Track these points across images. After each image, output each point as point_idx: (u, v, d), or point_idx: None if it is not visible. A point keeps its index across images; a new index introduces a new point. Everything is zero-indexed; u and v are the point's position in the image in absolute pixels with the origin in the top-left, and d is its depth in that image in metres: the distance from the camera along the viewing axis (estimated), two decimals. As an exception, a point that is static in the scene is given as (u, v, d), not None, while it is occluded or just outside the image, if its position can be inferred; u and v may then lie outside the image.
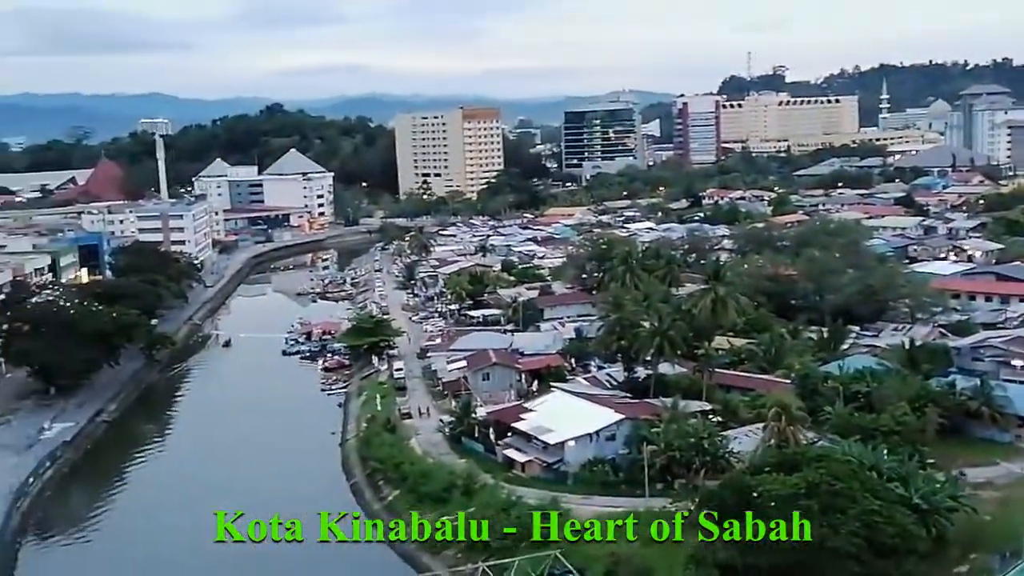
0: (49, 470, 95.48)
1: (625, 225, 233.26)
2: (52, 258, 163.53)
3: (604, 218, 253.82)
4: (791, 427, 74.91)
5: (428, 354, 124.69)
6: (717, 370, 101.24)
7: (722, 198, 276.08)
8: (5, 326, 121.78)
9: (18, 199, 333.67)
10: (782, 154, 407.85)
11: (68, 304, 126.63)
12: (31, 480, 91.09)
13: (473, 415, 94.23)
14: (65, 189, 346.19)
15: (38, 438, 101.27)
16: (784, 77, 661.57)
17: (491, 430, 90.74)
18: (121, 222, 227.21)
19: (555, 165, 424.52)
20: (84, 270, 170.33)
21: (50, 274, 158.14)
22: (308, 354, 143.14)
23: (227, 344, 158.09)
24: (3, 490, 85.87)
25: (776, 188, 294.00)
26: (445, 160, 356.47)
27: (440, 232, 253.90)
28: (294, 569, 73.51)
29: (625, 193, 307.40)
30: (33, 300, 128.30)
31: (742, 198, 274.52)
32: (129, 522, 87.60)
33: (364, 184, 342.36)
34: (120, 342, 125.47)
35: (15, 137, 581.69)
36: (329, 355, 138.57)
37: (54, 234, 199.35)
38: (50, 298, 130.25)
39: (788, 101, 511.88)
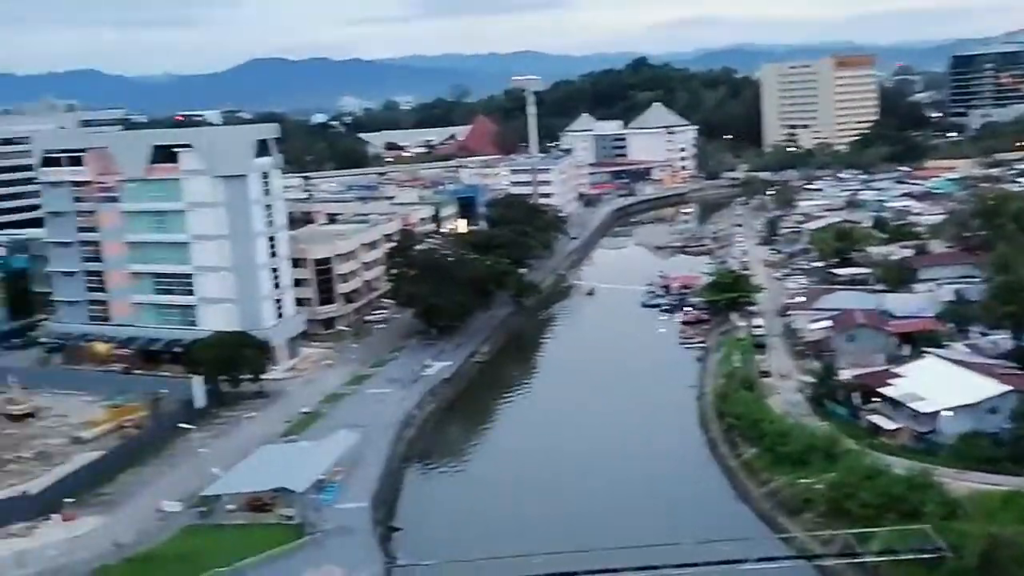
0: (431, 404, 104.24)
1: (1018, 179, 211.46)
2: (435, 208, 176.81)
3: (993, 171, 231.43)
4: None
5: (789, 312, 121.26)
6: None
7: None
8: (395, 271, 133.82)
9: (406, 154, 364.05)
10: None
11: (448, 252, 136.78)
12: (415, 412, 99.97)
13: (836, 377, 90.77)
14: (446, 144, 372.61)
15: (421, 374, 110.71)
16: None
17: (856, 394, 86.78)
18: (495, 175, 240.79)
19: (937, 114, 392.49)
20: (462, 220, 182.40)
21: (433, 223, 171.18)
22: (667, 307, 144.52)
23: (591, 293, 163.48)
24: (392, 420, 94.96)
25: None
26: (814, 111, 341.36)
27: (806, 186, 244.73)
28: (649, 517, 74.86)
29: (1019, 144, 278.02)
30: (418, 247, 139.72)
31: None
32: (499, 456, 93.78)
33: (727, 137, 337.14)
34: (492, 288, 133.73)
35: (404, 96, 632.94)
36: (688, 309, 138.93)
37: (436, 186, 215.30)
38: (433, 246, 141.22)
39: None
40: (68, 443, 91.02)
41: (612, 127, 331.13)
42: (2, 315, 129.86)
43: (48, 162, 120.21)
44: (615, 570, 60.47)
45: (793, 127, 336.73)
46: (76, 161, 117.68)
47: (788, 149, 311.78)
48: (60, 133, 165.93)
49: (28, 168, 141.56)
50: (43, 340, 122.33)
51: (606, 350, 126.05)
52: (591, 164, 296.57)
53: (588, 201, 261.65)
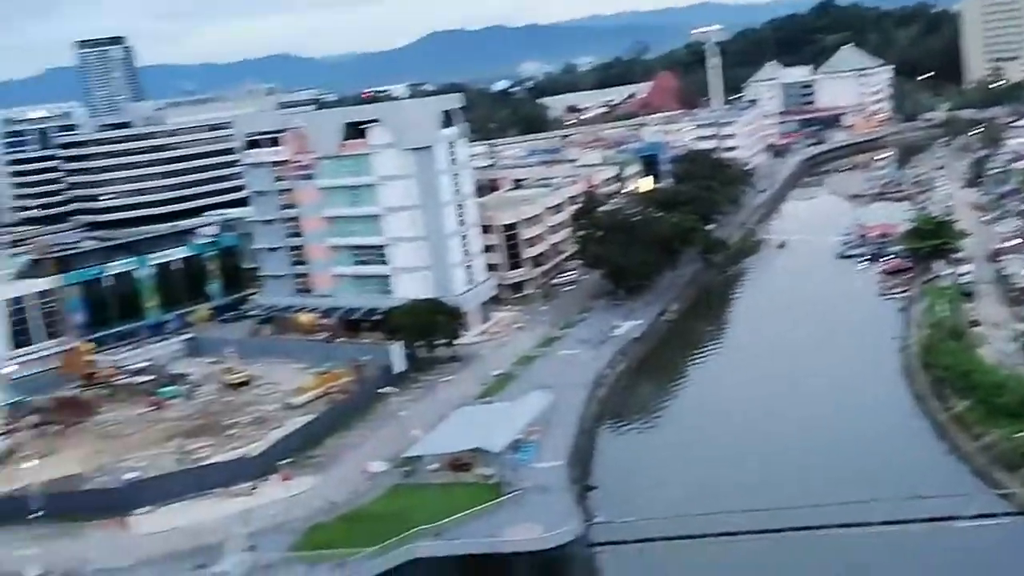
0: (621, 364, 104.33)
1: None
2: (618, 168, 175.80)
3: None
4: None
5: (1001, 257, 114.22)
6: None
7: None
8: (581, 232, 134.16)
9: (588, 115, 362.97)
10: None
11: (633, 211, 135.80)
12: (606, 372, 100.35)
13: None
14: (627, 103, 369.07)
15: (610, 334, 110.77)
16: None
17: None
18: (678, 131, 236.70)
19: None
20: (646, 179, 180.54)
21: (616, 183, 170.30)
22: (865, 257, 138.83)
23: (782, 246, 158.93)
24: (584, 380, 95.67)
25: None
26: (1022, 42, 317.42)
27: (1015, 123, 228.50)
28: (853, 473, 72.55)
29: None
30: (603, 208, 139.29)
31: None
32: (692, 413, 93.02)
33: (924, 76, 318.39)
34: (679, 246, 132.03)
35: (583, 58, 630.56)
36: (888, 258, 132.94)
37: (618, 146, 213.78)
38: (617, 206, 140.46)
39: None
40: (281, 409, 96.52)
41: (799, 74, 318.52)
42: (217, 290, 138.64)
43: (250, 144, 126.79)
44: (817, 527, 59.09)
45: (999, 60, 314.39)
46: (275, 142, 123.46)
47: (993, 84, 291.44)
48: (259, 116, 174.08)
49: (234, 151, 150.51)
50: (253, 312, 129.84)
51: (800, 303, 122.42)
52: (779, 113, 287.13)
53: (777, 152, 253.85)
